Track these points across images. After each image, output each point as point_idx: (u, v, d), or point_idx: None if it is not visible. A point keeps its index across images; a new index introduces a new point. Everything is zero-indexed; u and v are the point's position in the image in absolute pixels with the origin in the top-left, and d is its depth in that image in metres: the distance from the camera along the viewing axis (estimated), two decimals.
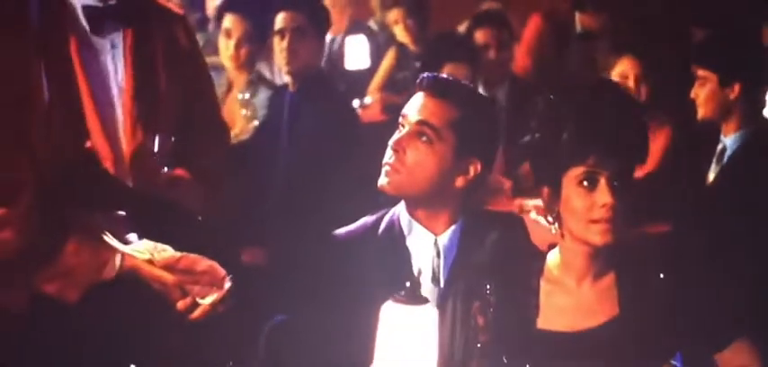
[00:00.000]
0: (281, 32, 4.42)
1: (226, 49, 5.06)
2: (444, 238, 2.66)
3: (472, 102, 2.73)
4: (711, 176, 4.11)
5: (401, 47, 6.50)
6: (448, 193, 2.65)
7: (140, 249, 2.37)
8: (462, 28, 6.20)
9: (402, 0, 6.65)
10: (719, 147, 4.07)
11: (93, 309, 2.26)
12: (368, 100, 6.30)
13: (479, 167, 2.66)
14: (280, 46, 4.43)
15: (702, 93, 4.06)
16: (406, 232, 2.68)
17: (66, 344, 2.32)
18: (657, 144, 4.60)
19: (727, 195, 3.98)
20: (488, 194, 3.24)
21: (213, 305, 2.37)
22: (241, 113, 4.97)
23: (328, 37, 6.89)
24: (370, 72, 6.40)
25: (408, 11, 6.55)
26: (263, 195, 4.36)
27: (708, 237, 3.87)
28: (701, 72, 4.07)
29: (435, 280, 2.65)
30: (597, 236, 2.29)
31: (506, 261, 2.51)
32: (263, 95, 5.00)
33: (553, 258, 2.42)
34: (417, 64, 5.34)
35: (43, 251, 2.25)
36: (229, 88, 5.11)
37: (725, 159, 4.04)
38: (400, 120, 2.67)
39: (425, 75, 2.72)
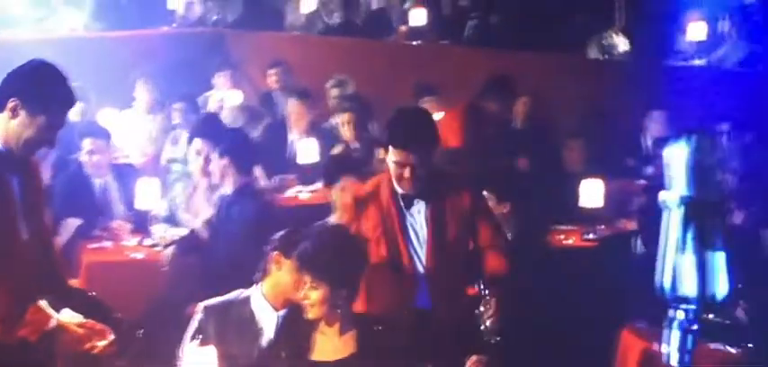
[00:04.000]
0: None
1: (195, 162, 6.75)
2: (282, 312, 4.48)
3: None
4: None
5: (346, 144, 8.15)
6: None
7: (62, 315, 3.91)
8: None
9: (349, 106, 8.30)
10: None
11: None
12: (318, 185, 7.80)
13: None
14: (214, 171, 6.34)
15: None
16: (260, 306, 4.50)
17: None
18: None
19: None
20: None
21: (104, 348, 3.87)
22: (204, 208, 6.67)
23: (293, 136, 8.80)
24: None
25: (353, 115, 8.19)
26: (209, 267, 6.07)
27: None
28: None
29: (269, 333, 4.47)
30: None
31: (301, 324, 4.33)
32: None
33: (322, 322, 4.30)
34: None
35: (16, 316, 3.80)
36: (195, 189, 6.88)
37: None
38: None
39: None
